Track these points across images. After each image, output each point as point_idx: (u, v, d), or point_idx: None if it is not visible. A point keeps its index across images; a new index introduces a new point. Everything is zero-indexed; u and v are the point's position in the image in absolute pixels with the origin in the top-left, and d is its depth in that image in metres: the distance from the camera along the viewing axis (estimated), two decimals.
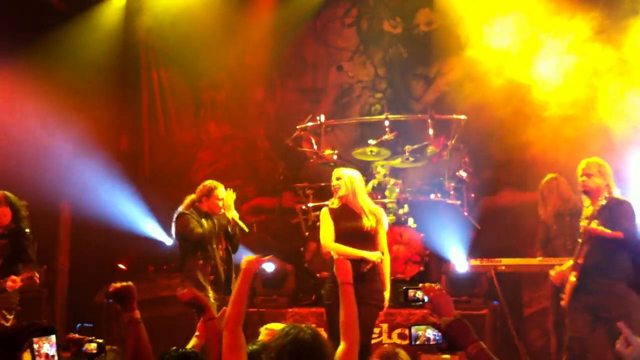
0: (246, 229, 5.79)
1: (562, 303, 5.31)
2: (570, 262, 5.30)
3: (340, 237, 5.19)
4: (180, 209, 5.80)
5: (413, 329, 2.49)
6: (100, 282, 8.29)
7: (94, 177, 8.65)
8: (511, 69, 8.25)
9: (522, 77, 8.37)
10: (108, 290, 3.15)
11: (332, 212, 5.30)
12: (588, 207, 5.20)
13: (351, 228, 5.17)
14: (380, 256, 5.12)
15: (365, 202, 5.29)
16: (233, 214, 5.73)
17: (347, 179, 5.27)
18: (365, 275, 4.98)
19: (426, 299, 2.74)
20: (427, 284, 2.80)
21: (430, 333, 2.45)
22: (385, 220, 5.42)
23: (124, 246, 8.60)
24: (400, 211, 7.37)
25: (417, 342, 2.47)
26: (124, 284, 3.09)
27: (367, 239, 5.18)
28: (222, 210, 5.70)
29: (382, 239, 5.26)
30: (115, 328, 7.75)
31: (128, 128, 10.05)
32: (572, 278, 5.15)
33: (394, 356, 2.71)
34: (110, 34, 9.25)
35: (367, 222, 5.16)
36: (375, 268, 5.08)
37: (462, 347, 2.21)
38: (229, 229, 5.76)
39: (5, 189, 5.73)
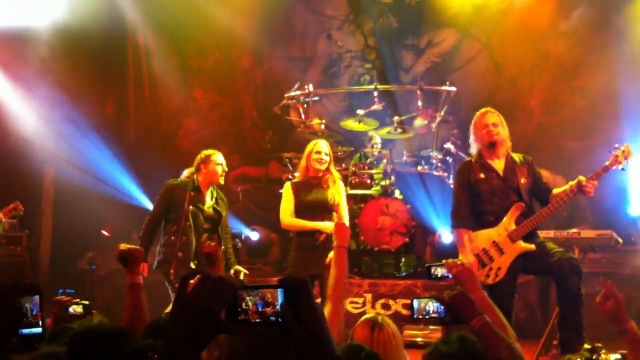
0: (242, 277, 5.28)
1: None
2: None
3: (303, 210, 5.16)
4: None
5: (415, 302, 2.41)
6: (83, 248, 8.25)
7: (78, 142, 8.54)
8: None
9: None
10: (117, 250, 3.02)
11: (294, 186, 5.26)
12: None
13: (314, 201, 5.15)
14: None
15: (336, 172, 5.36)
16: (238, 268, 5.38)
17: (328, 152, 5.23)
18: (320, 246, 5.01)
19: (449, 275, 2.71)
20: (450, 260, 2.74)
21: (433, 306, 2.37)
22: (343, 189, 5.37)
23: (107, 212, 8.52)
24: (387, 182, 7.34)
25: (419, 315, 2.40)
26: (133, 247, 3.03)
27: (328, 211, 5.17)
28: (221, 181, 5.33)
29: (342, 210, 5.24)
30: (98, 294, 7.71)
31: (113, 93, 9.89)
32: None
33: (379, 324, 2.67)
34: None
35: (330, 194, 5.15)
36: (330, 237, 5.03)
37: (466, 320, 2.15)
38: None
39: None
